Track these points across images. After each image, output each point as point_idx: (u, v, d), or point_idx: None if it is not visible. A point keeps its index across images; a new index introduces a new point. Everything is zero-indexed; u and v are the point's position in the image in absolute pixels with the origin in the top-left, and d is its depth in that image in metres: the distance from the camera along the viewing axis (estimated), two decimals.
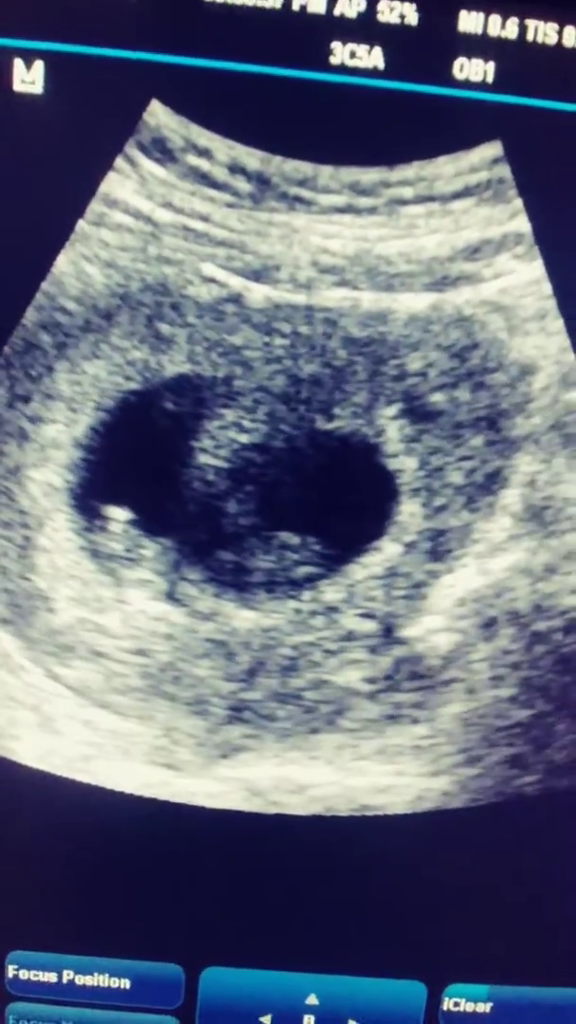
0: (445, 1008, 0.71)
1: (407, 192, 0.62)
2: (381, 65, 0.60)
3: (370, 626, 0.65)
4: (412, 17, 0.59)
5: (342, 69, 0.60)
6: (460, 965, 0.71)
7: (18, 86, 0.59)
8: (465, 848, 0.69)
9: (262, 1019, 0.71)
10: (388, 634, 0.66)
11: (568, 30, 0.59)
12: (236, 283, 0.62)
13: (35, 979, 0.71)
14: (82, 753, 0.67)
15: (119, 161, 0.61)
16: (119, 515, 0.64)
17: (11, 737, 0.66)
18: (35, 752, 0.67)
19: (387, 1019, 0.71)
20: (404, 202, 0.62)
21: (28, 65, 0.59)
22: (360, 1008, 0.71)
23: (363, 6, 0.59)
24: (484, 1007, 0.71)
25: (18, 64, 0.59)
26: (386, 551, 0.65)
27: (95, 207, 0.61)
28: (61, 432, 0.63)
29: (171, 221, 0.61)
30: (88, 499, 0.64)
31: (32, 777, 0.67)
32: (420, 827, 0.68)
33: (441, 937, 0.71)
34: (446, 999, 0.71)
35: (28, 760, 0.67)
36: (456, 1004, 0.71)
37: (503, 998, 0.71)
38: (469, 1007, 0.71)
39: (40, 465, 0.63)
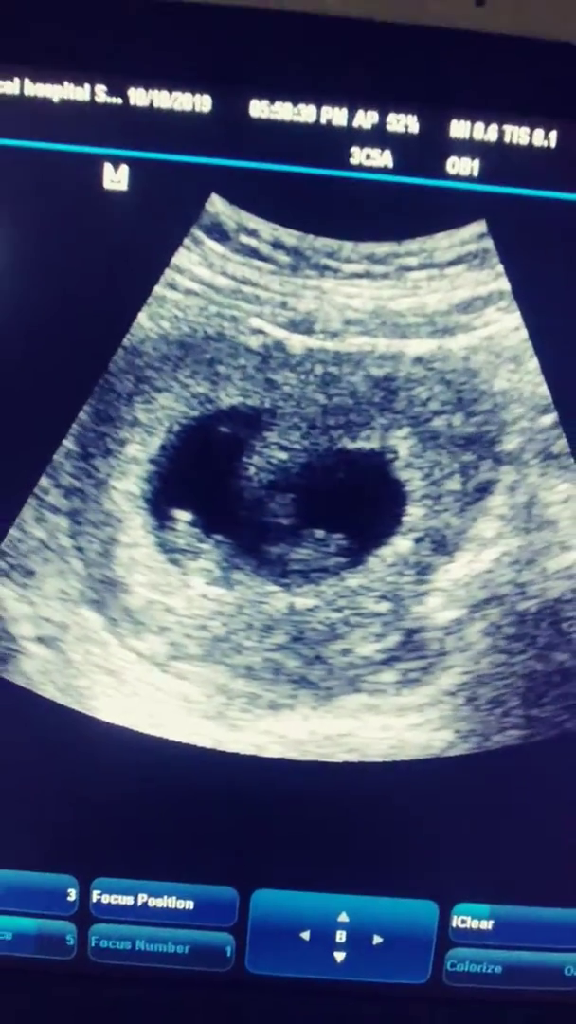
0: (454, 925, 0.78)
1: (412, 261, 0.68)
2: (391, 164, 0.67)
3: (385, 606, 0.73)
4: (414, 126, 0.66)
5: (360, 168, 0.67)
6: (465, 887, 0.76)
7: (107, 184, 0.66)
8: (469, 788, 0.74)
9: (302, 934, 0.77)
10: (399, 612, 0.73)
11: (537, 132, 0.67)
12: (278, 333, 0.69)
13: (115, 902, 0.76)
14: (152, 711, 0.73)
15: (186, 240, 0.67)
16: (184, 516, 0.71)
17: (94, 698, 0.73)
18: (114, 711, 0.73)
19: (405, 933, 0.77)
20: (410, 268, 0.68)
21: (116, 168, 0.66)
22: (383, 924, 0.77)
23: (376, 119, 0.66)
24: (487, 924, 0.78)
25: (108, 167, 0.66)
26: (397, 545, 0.72)
27: (168, 275, 0.68)
28: (139, 450, 0.71)
29: (226, 285, 0.69)
30: (159, 504, 0.70)
31: (111, 732, 0.73)
32: (431, 770, 0.73)
33: (450, 863, 0.76)
34: (454, 917, 0.77)
35: (108, 717, 0.73)
36: (463, 921, 0.77)
37: (503, 916, 0.78)
38: (474, 924, 0.78)
39: (122, 476, 0.71)
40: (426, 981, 0.79)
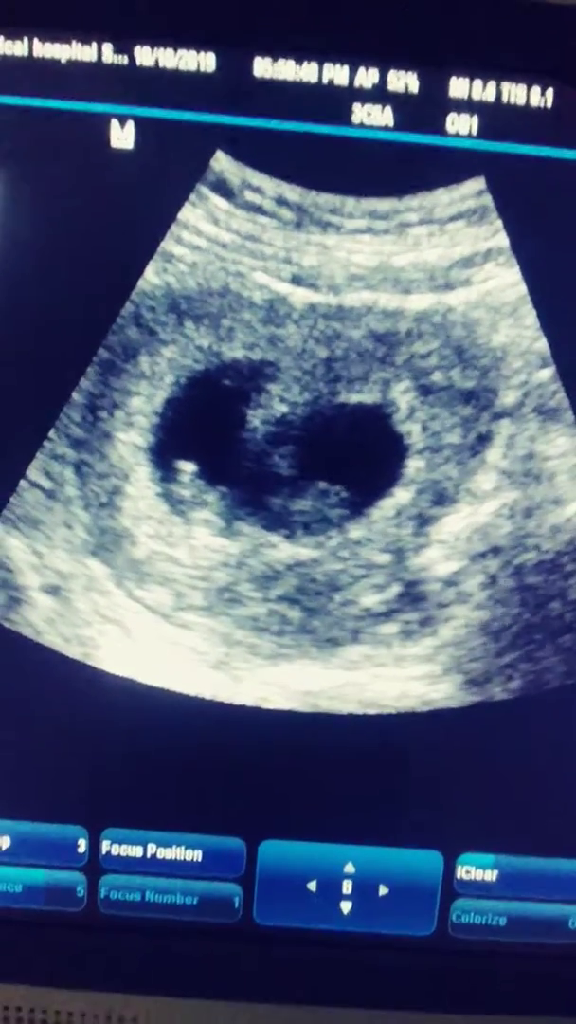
0: (458, 876, 0.78)
1: (413, 217, 0.69)
2: (391, 122, 0.68)
3: (386, 558, 0.74)
4: (414, 85, 0.67)
5: (361, 125, 0.68)
6: (470, 838, 0.77)
7: (114, 143, 0.67)
8: (471, 739, 0.75)
9: (309, 884, 0.77)
10: (400, 564, 0.74)
11: (534, 90, 0.68)
12: (282, 288, 0.70)
13: (124, 854, 0.77)
14: (157, 662, 0.74)
15: (192, 197, 0.68)
16: (188, 468, 0.72)
17: (98, 647, 0.74)
18: (120, 661, 0.74)
19: (411, 884, 0.78)
20: (410, 224, 0.69)
21: (122, 126, 0.67)
22: (389, 875, 0.77)
23: (376, 77, 0.67)
24: (491, 875, 0.79)
25: (114, 125, 0.67)
26: (398, 497, 0.73)
27: (174, 231, 0.69)
28: (144, 403, 0.71)
29: (231, 241, 0.69)
30: (164, 455, 0.71)
31: (118, 682, 0.74)
32: (434, 721, 0.74)
33: (454, 814, 0.76)
34: (459, 867, 0.78)
35: (114, 668, 0.74)
36: (467, 872, 0.78)
37: (507, 867, 0.78)
38: (478, 874, 0.78)
39: (127, 428, 0.72)
40: (432, 932, 0.80)
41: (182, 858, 0.78)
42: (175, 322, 0.72)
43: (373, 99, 0.67)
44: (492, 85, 0.68)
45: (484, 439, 0.73)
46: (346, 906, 0.80)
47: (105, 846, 0.78)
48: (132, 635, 0.74)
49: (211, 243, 0.71)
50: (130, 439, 0.72)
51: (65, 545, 0.73)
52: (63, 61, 0.69)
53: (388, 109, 0.68)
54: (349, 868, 0.78)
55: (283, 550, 0.73)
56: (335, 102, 0.67)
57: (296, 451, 0.72)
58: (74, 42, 0.69)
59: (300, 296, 0.71)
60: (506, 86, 0.68)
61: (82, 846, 0.77)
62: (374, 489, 0.72)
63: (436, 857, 0.78)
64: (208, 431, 0.72)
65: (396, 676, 0.75)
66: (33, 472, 0.72)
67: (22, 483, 0.72)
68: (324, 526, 0.73)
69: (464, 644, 0.75)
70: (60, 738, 0.75)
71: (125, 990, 0.76)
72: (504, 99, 0.68)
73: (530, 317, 0.72)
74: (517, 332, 0.72)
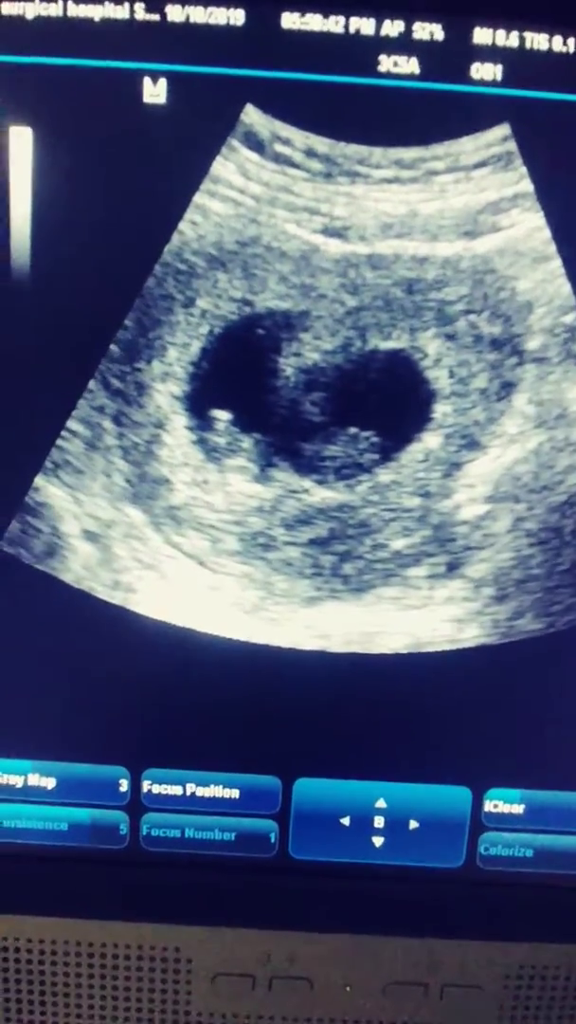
0: (486, 809, 0.80)
1: (439, 165, 0.69)
2: (417, 71, 0.68)
3: (416, 501, 0.74)
4: (439, 34, 0.67)
5: (388, 75, 0.68)
6: (497, 773, 0.78)
7: (147, 99, 0.68)
8: (498, 677, 0.76)
9: (342, 820, 0.79)
10: (428, 508, 0.74)
11: (556, 38, 0.69)
12: (313, 238, 0.70)
13: (164, 792, 0.78)
14: (194, 605, 0.75)
15: (224, 150, 0.69)
16: (223, 416, 0.72)
17: (135, 591, 0.75)
18: (155, 604, 0.75)
19: (440, 818, 0.79)
20: (437, 172, 0.69)
21: (155, 82, 0.68)
22: (419, 810, 0.79)
23: (402, 27, 0.67)
24: (518, 808, 0.80)
25: (147, 82, 0.68)
26: (427, 442, 0.73)
27: (206, 185, 0.69)
28: (180, 353, 0.72)
29: (262, 193, 0.70)
30: (199, 404, 0.72)
31: (156, 627, 0.75)
32: (464, 660, 0.75)
33: (482, 750, 0.78)
34: (487, 801, 0.80)
35: (149, 612, 0.75)
36: (495, 806, 0.80)
37: (533, 801, 0.80)
38: (505, 808, 0.80)
39: (164, 379, 0.73)
40: (460, 865, 0.82)
41: (220, 796, 0.80)
42: (209, 274, 0.73)
43: (399, 49, 0.68)
44: (516, 33, 0.68)
45: (510, 384, 0.73)
46: (378, 840, 0.82)
47: (146, 786, 0.79)
48: (170, 580, 0.75)
49: (243, 195, 0.72)
50: (167, 389, 0.73)
51: (104, 493, 0.75)
52: (96, 20, 0.70)
53: (414, 58, 0.68)
54: (381, 804, 0.80)
55: (315, 495, 0.74)
56: (362, 52, 0.68)
57: (327, 398, 0.72)
58: (107, 2, 0.70)
59: (331, 246, 0.72)
60: (530, 34, 0.68)
61: (124, 786, 0.79)
62: (403, 434, 0.73)
63: (464, 792, 0.80)
64: (242, 380, 0.73)
65: (425, 617, 0.76)
66: (73, 422, 0.73)
67: (63, 433, 0.73)
68: (355, 471, 0.74)
69: (491, 585, 0.76)
70: (100, 682, 0.77)
71: (167, 922, 0.78)
72: (528, 46, 0.68)
73: (555, 262, 0.73)
74: (542, 277, 0.73)
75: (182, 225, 0.71)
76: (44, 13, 0.70)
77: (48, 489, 0.74)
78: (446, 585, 0.75)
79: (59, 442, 0.73)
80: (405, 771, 0.78)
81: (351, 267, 0.73)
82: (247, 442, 0.73)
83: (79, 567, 0.76)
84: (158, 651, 0.76)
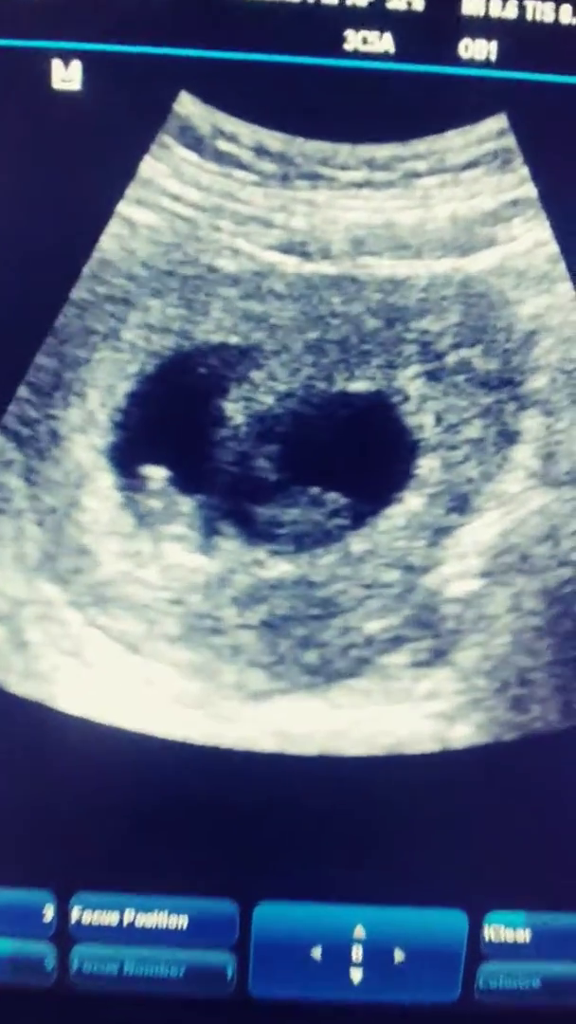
0: (486, 937, 0.72)
1: (420, 165, 0.64)
2: (392, 49, 0.63)
3: (393, 575, 0.68)
4: (419, 3, 0.62)
5: (355, 54, 0.63)
6: (498, 894, 0.71)
7: (57, 84, 0.63)
8: (496, 783, 0.70)
9: (313, 951, 0.72)
10: (410, 583, 0.67)
11: (564, 8, 0.62)
12: (264, 256, 0.65)
13: (98, 921, 0.72)
14: (126, 700, 0.69)
15: (153, 148, 0.64)
16: (156, 474, 0.67)
17: (55, 684, 0.69)
18: (78, 699, 0.69)
19: (431, 947, 0.72)
20: (418, 174, 0.64)
21: (66, 64, 0.62)
22: (406, 938, 0.72)
23: None
24: (523, 934, 0.72)
25: (57, 64, 0.62)
26: (408, 503, 0.67)
27: (133, 191, 0.64)
28: (104, 398, 0.66)
29: (202, 200, 0.65)
30: (128, 459, 0.67)
31: (83, 725, 0.69)
32: (454, 763, 0.69)
33: (479, 868, 0.71)
34: (486, 926, 0.72)
35: (70, 707, 0.69)
36: (496, 931, 0.72)
37: (541, 924, 0.72)
38: (509, 935, 0.72)
39: (84, 428, 0.66)
40: (456, 999, 0.74)
41: (165, 925, 0.73)
42: (138, 300, 0.66)
43: (370, 22, 0.63)
44: (513, 2, 0.63)
45: (510, 432, 0.67)
46: (356, 974, 0.74)
47: (76, 913, 0.73)
48: (94, 670, 0.69)
49: (178, 203, 0.66)
50: (88, 441, 0.67)
51: (15, 566, 0.68)
52: None
53: (388, 34, 0.63)
54: (359, 932, 0.73)
55: (271, 568, 0.68)
56: (324, 27, 0.63)
57: (285, 451, 0.67)
58: None
59: (288, 266, 0.66)
60: (529, 3, 0.63)
61: (49, 913, 0.73)
62: (380, 494, 0.68)
63: (460, 916, 0.73)
64: (180, 430, 0.67)
65: (407, 713, 0.69)
66: None
67: None
68: (320, 539, 0.68)
69: (485, 676, 0.69)
70: (17, 790, 0.71)
71: None
72: (528, 17, 0.63)
73: (564, 284, 0.66)
74: (547, 301, 0.66)
75: (104, 240, 0.66)
76: None
77: None
78: (431, 675, 0.69)
79: None
80: (388, 893, 0.72)
81: (313, 291, 0.66)
82: (187, 505, 0.67)
83: None
84: (84, 753, 0.70)
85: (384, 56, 0.63)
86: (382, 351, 0.66)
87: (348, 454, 0.67)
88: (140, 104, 0.63)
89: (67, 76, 0.63)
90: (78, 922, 0.73)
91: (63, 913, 0.72)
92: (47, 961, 0.73)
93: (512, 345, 0.66)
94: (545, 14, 0.62)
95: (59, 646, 0.69)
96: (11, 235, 0.64)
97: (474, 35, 0.62)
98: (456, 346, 0.66)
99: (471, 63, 0.63)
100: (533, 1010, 0.74)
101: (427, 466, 0.67)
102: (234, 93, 0.63)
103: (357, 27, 0.62)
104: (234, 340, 0.66)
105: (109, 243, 0.65)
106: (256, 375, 0.66)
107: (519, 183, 0.64)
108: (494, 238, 0.65)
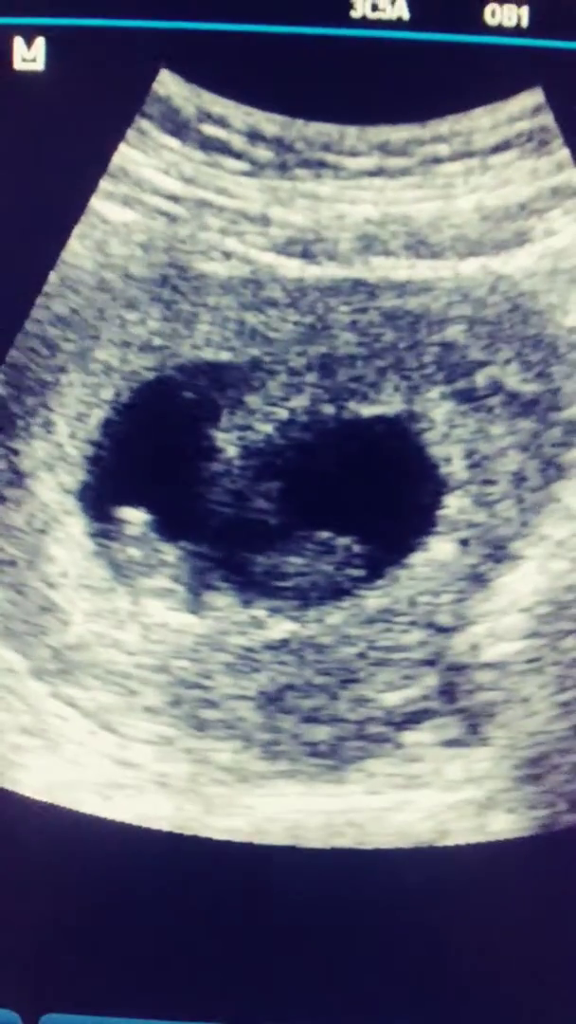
0: None
1: (442, 149, 0.62)
2: (406, 15, 0.62)
3: (416, 636, 0.62)
4: None
5: (364, 22, 0.62)
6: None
7: (19, 64, 0.63)
8: (540, 886, 0.64)
9: None
10: (438, 646, 0.62)
11: None
12: (260, 258, 0.62)
13: None
14: (95, 782, 0.65)
15: (130, 134, 0.61)
16: (135, 517, 0.62)
17: (18, 767, 0.65)
18: (44, 783, 0.65)
19: None
20: (439, 160, 0.62)
21: (29, 43, 0.62)
22: None
23: None
24: None
25: (18, 42, 0.63)
26: (434, 551, 0.62)
27: (106, 185, 0.61)
28: (73, 428, 0.62)
29: (188, 194, 0.61)
30: (102, 500, 0.63)
31: (42, 812, 0.65)
32: (488, 859, 0.64)
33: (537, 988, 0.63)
34: None
35: (35, 793, 0.65)
36: None
37: None
38: None
39: (51, 466, 0.62)
40: None
41: None
42: (113, 310, 0.62)
43: None
44: None
45: (555, 465, 0.61)
46: None
47: None
48: (64, 751, 0.65)
49: (158, 197, 0.62)
50: (55, 478, 0.63)
51: None
52: None
53: None
54: None
55: (271, 628, 0.63)
56: None
57: (287, 488, 0.63)
58: None
59: (284, 269, 0.61)
60: None
61: None
62: (400, 540, 0.63)
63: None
64: (162, 465, 0.64)
65: (433, 801, 0.64)
66: None
67: None
68: (329, 594, 0.64)
69: (526, 757, 0.63)
70: None
71: None
72: None
73: None
74: None
75: (72, 242, 0.62)
76: None
77: None
78: (463, 755, 0.63)
79: None
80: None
81: (317, 299, 0.61)
82: (171, 554, 0.63)
83: None
84: (50, 847, 0.66)
85: (397, 24, 0.62)
86: (400, 369, 0.61)
87: (362, 492, 0.64)
88: (113, 84, 0.63)
89: (29, 55, 0.63)
90: None
91: None
92: None
93: (553, 359, 0.61)
94: None
95: (19, 723, 0.64)
96: None
97: None
98: (486, 362, 0.61)
99: (499, 30, 0.63)
100: None
101: (456, 506, 0.62)
102: (223, 70, 0.62)
103: None
104: (225, 357, 0.62)
105: (79, 245, 0.62)
106: (252, 399, 0.62)
107: (558, 169, 0.62)
108: (529, 233, 0.61)
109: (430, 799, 0.65)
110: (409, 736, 0.64)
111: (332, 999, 0.67)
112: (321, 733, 0.64)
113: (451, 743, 0.64)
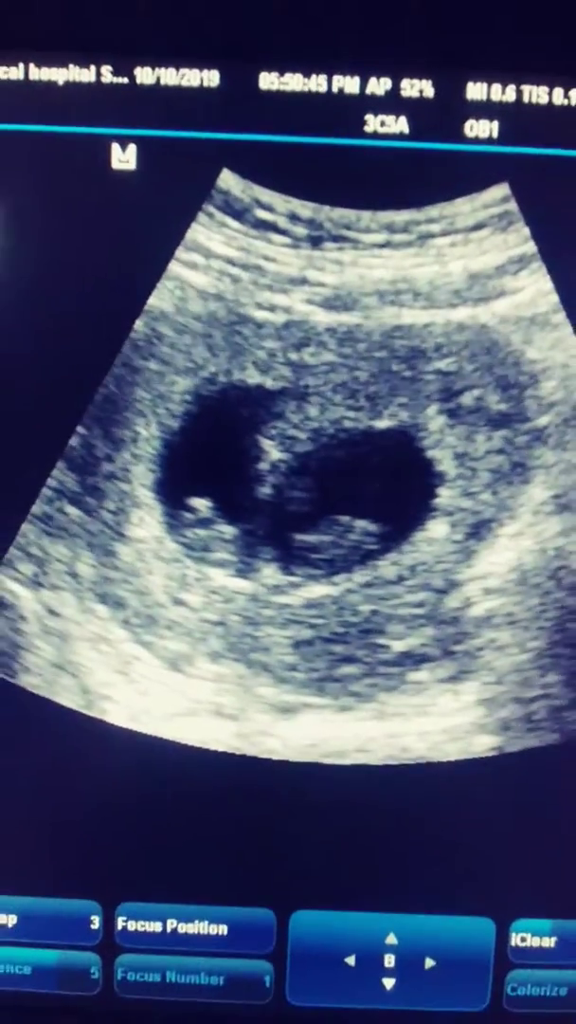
0: (513, 943, 0.72)
1: (434, 228, 0.67)
2: (406, 130, 0.66)
3: (419, 597, 0.70)
4: (429, 91, 0.66)
5: (375, 135, 0.66)
6: (523, 902, 0.71)
7: (116, 165, 0.66)
8: (522, 792, 0.70)
9: (347, 959, 0.72)
10: (434, 604, 0.70)
11: (556, 91, 0.66)
12: (300, 308, 0.68)
13: (142, 930, 0.72)
14: (168, 713, 0.70)
15: (200, 217, 0.67)
16: (200, 504, 0.69)
17: (105, 699, 0.70)
18: (129, 714, 0.70)
19: (461, 955, 0.72)
20: (432, 236, 0.67)
21: (123, 148, 0.66)
22: (436, 946, 0.72)
23: (389, 85, 0.66)
24: (549, 941, 0.72)
25: (115, 147, 0.66)
26: (431, 531, 0.70)
27: (182, 254, 0.67)
28: (156, 435, 0.69)
29: (243, 260, 0.68)
30: (175, 492, 0.69)
31: (128, 738, 0.70)
32: (480, 772, 0.70)
33: (505, 876, 0.71)
34: (513, 934, 0.72)
35: (123, 722, 0.70)
36: (523, 939, 0.72)
37: (566, 932, 0.72)
38: (535, 942, 0.72)
39: (137, 464, 0.69)
40: (485, 1007, 0.73)
41: (206, 932, 0.73)
42: (186, 348, 0.69)
43: (386, 107, 0.66)
44: (512, 87, 0.67)
45: (521, 466, 0.70)
46: (389, 982, 0.74)
47: (121, 922, 0.73)
48: (142, 686, 0.71)
49: (222, 263, 0.69)
50: (138, 474, 0.70)
51: (69, 589, 0.70)
52: (60, 83, 0.67)
53: (403, 117, 0.66)
54: (391, 939, 0.73)
55: (307, 590, 0.70)
56: (346, 112, 0.66)
57: (320, 483, 0.69)
58: (72, 65, 0.67)
59: (318, 316, 0.69)
60: (527, 87, 0.67)
61: (95, 923, 0.73)
62: (405, 522, 0.69)
63: (487, 924, 0.73)
64: (221, 465, 0.70)
65: (435, 725, 0.71)
66: (36, 511, 0.70)
67: (24, 525, 0.70)
68: (351, 564, 0.70)
69: (509, 689, 0.71)
70: (67, 802, 0.71)
71: None
72: (525, 100, 0.67)
73: (565, 329, 0.69)
74: (551, 346, 0.69)
75: (154, 297, 0.69)
76: (3, 77, 0.67)
77: (8, 584, 0.70)
78: (457, 689, 0.71)
79: (23, 532, 0.70)
80: (419, 901, 0.72)
81: (341, 339, 0.69)
82: (229, 533, 0.70)
83: (42, 671, 0.71)
84: (130, 765, 0.71)
85: (399, 136, 0.66)
86: (405, 391, 0.69)
87: (375, 485, 0.69)
88: (187, 180, 0.67)
89: (124, 157, 0.67)
90: (123, 930, 0.73)
91: (109, 923, 0.73)
92: (93, 971, 0.73)
93: (520, 384, 0.69)
94: (540, 96, 0.66)
95: (110, 664, 0.70)
96: (76, 292, 0.68)
97: (478, 116, 0.66)
98: (470, 387, 0.69)
99: (476, 140, 0.66)
100: (560, 1018, 0.73)
101: (447, 496, 0.69)
102: (269, 169, 0.66)
103: (376, 112, 0.66)
104: (271, 383, 0.69)
105: (159, 299, 0.68)
106: (292, 415, 0.69)
107: (522, 241, 0.67)
108: (501, 290, 0.68)
109: (429, 724, 0.71)
110: (413, 675, 0.70)
111: (355, 885, 0.72)
112: (345, 672, 0.70)
113: (450, 679, 0.70)
